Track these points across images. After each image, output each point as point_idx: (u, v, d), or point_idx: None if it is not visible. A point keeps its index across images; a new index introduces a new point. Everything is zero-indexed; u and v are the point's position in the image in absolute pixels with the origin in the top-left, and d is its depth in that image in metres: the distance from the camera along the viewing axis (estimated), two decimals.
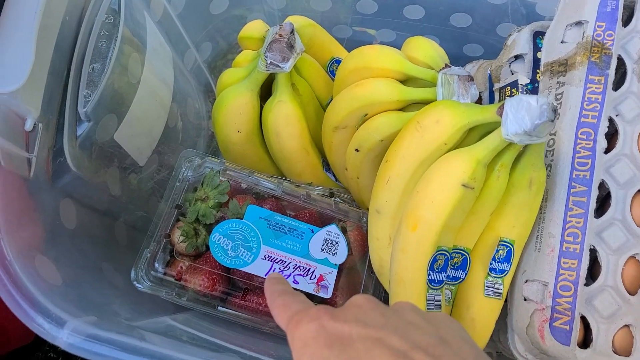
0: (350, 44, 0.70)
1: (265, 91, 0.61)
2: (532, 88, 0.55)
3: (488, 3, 0.65)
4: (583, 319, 0.45)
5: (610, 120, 0.48)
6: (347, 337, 0.27)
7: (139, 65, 0.51)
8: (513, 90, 0.57)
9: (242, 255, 0.50)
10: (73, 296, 0.39)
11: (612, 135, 0.48)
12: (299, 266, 0.51)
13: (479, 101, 0.64)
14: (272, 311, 0.33)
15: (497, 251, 0.48)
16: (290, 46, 0.54)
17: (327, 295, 0.51)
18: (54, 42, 0.42)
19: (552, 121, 0.40)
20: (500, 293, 0.48)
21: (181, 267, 0.50)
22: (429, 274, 0.44)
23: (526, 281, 0.48)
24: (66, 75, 0.45)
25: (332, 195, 0.60)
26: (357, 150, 0.56)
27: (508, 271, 0.48)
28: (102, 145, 0.48)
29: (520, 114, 0.40)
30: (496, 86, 0.59)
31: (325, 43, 0.66)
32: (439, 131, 0.45)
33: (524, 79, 0.56)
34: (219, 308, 0.50)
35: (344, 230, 0.54)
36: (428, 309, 0.45)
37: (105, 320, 0.38)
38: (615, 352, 0.44)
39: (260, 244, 0.50)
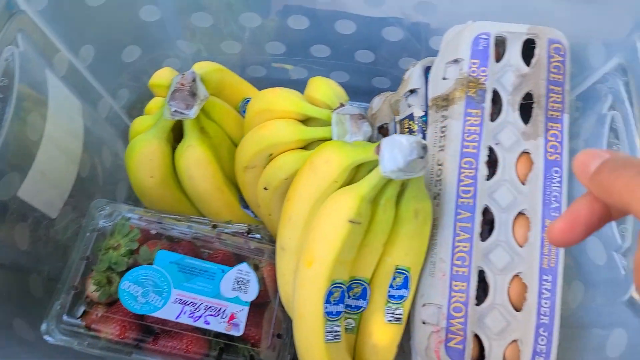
0: (268, 82, 0.72)
1: (179, 134, 0.63)
2: (427, 120, 0.59)
3: (386, 40, 0.68)
4: (477, 337, 0.48)
5: (491, 149, 0.51)
6: None
7: (42, 121, 0.52)
8: (410, 122, 0.60)
9: (152, 300, 0.51)
10: None
11: (495, 162, 0.52)
12: (210, 307, 0.52)
13: (385, 132, 0.68)
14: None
15: (394, 279, 0.50)
16: (193, 94, 0.56)
17: (238, 332, 0.52)
18: None
19: (423, 157, 0.43)
20: (401, 318, 0.51)
21: (96, 316, 0.51)
22: (326, 307, 0.46)
23: (424, 305, 0.50)
24: None
25: (249, 232, 0.61)
26: (265, 188, 0.58)
27: (407, 297, 0.51)
28: (6, 203, 0.49)
29: (394, 153, 0.43)
30: (397, 118, 0.63)
31: (235, 85, 0.68)
32: (329, 170, 0.48)
33: (418, 112, 0.59)
34: (134, 355, 0.51)
35: (255, 268, 0.56)
36: (327, 340, 0.47)
37: None
38: None
39: (170, 287, 0.52)
